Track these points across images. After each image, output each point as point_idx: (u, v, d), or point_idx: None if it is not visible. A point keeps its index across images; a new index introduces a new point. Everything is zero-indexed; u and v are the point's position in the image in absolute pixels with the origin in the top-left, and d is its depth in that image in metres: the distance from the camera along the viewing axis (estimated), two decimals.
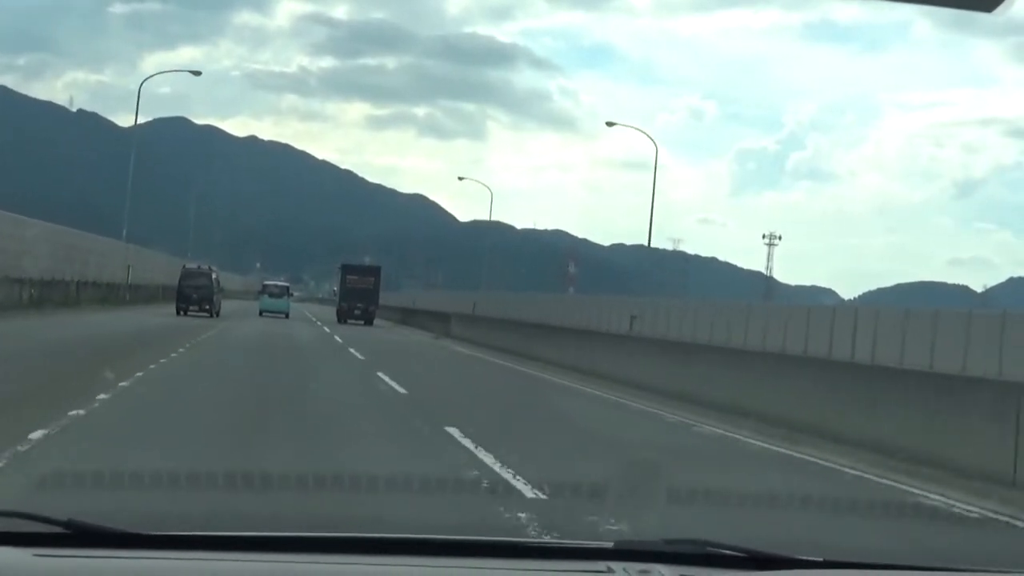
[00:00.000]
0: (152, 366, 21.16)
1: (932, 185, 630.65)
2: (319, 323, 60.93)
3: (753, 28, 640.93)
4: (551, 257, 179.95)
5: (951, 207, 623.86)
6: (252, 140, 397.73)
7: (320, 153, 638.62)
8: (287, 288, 71.87)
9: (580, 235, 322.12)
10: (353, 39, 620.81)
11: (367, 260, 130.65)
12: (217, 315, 55.36)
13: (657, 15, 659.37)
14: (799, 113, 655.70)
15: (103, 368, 18.75)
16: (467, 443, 12.94)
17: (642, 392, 24.12)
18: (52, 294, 51.09)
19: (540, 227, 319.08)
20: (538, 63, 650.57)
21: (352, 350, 33.51)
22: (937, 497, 12.02)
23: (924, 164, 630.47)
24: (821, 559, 3.43)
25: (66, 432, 11.79)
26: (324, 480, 9.18)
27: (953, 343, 20.12)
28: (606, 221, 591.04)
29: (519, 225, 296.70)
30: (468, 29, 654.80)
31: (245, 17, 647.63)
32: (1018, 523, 10.95)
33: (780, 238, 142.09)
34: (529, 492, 9.87)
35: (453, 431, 13.94)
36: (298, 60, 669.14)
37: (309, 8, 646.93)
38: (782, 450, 15.81)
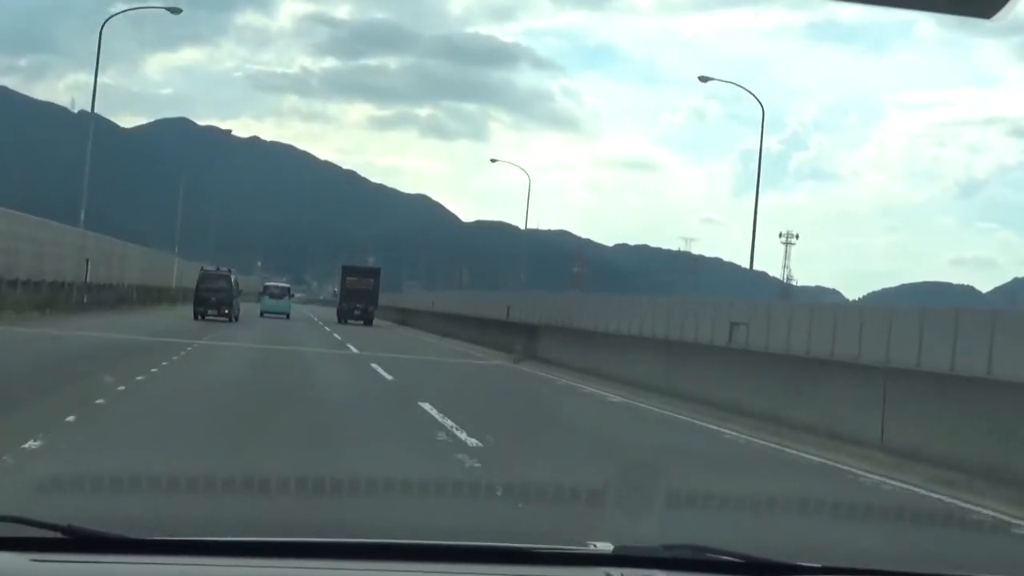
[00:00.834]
0: None
1: (935, 185, 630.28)
2: (341, 340, 42.28)
3: (756, 28, 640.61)
4: (555, 257, 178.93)
5: (954, 207, 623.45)
6: (254, 141, 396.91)
7: (322, 154, 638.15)
8: (288, 289, 71.99)
9: (583, 235, 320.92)
10: (355, 39, 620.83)
11: (370, 261, 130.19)
12: (236, 319, 52.92)
13: (660, 15, 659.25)
14: (802, 113, 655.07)
15: None
16: None
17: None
18: None
19: (543, 227, 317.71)
20: (540, 63, 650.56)
21: (429, 408, 17.29)
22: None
23: (927, 164, 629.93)
24: (819, 565, 3.39)
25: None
26: (323, 484, 9.13)
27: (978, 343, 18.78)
28: (609, 221, 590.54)
29: (522, 225, 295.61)
30: (470, 29, 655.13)
31: (248, 17, 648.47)
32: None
33: (797, 237, 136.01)
34: None
35: None
36: (300, 61, 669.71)
37: (311, 8, 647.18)
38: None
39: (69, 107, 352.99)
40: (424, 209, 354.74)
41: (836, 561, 3.45)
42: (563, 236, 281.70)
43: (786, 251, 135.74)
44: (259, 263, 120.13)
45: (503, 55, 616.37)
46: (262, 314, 63.26)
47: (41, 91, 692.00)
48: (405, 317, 78.89)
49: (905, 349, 19.97)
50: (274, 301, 65.99)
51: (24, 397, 14.84)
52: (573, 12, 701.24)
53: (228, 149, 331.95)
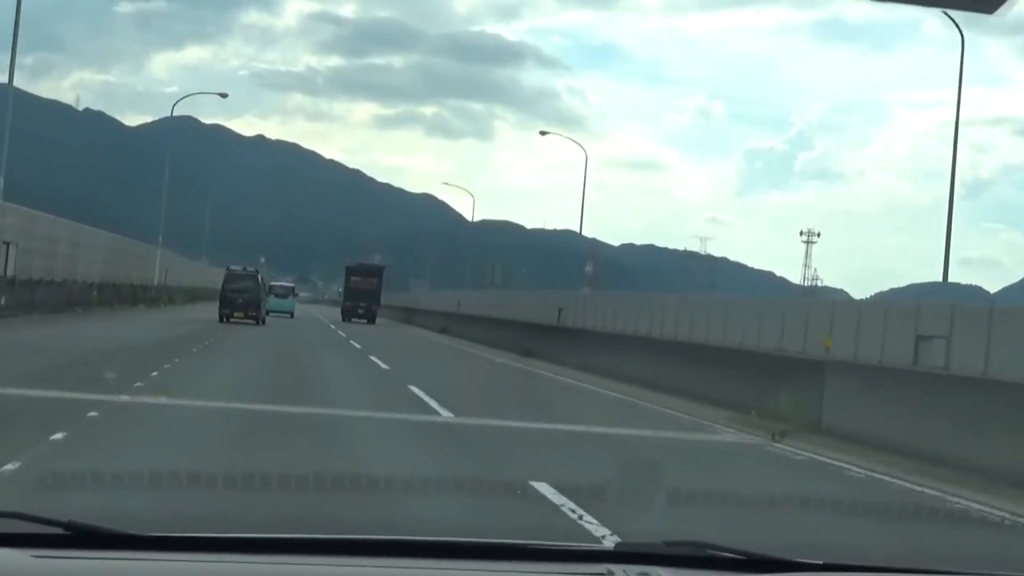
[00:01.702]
0: None
1: (940, 185, 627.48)
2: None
3: (762, 27, 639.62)
4: (561, 257, 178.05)
5: (959, 207, 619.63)
6: (259, 140, 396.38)
7: (328, 153, 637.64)
8: (292, 289, 73.08)
9: (589, 235, 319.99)
10: (360, 38, 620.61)
11: (376, 259, 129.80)
12: (263, 322, 50.23)
13: (665, 14, 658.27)
14: (807, 113, 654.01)
15: None
16: None
17: None
18: None
19: (549, 227, 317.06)
20: (546, 62, 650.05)
21: None
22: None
23: (933, 164, 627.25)
24: (820, 562, 3.39)
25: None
26: (324, 481, 9.01)
27: None
28: (614, 221, 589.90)
29: (528, 225, 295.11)
30: (476, 28, 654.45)
31: (253, 16, 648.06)
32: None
33: (819, 235, 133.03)
34: None
35: None
36: (305, 59, 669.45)
37: (316, 7, 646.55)
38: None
39: (74, 104, 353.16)
40: (430, 208, 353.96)
41: (837, 558, 3.47)
42: (569, 236, 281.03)
43: (807, 250, 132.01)
44: (262, 259, 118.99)
45: (508, 54, 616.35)
46: (267, 313, 62.58)
47: (45, 88, 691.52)
48: (410, 316, 78.68)
49: None
50: (279, 300, 66.30)
51: None
52: (579, 11, 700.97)
53: (233, 148, 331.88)
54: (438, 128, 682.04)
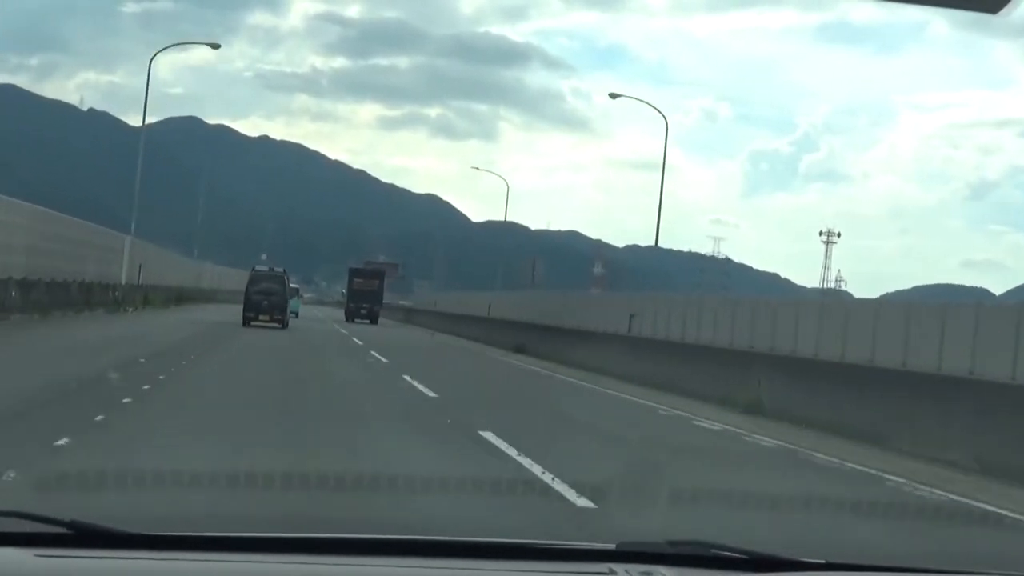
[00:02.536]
0: None
1: (946, 187, 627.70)
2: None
3: (768, 29, 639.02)
4: (567, 258, 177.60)
5: (964, 209, 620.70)
6: (264, 140, 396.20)
7: (332, 153, 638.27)
8: (296, 290, 72.75)
9: (594, 236, 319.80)
10: (365, 39, 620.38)
11: (381, 258, 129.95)
12: (287, 326, 47.74)
13: (672, 15, 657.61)
14: (813, 114, 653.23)
15: None
16: None
17: None
18: None
19: (554, 228, 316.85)
20: (551, 63, 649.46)
21: None
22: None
23: (938, 166, 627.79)
24: (823, 561, 3.39)
25: None
26: (327, 480, 9.05)
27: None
28: (619, 222, 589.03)
29: (533, 226, 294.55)
30: (481, 29, 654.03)
31: (258, 17, 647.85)
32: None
33: (839, 235, 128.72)
34: None
35: None
36: (310, 60, 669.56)
37: (321, 8, 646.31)
38: None
39: (78, 105, 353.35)
40: (435, 209, 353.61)
41: (839, 557, 3.47)
42: (574, 237, 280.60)
43: (827, 250, 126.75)
44: (264, 256, 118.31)
45: (514, 55, 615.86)
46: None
47: (50, 89, 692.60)
48: (408, 316, 78.25)
49: None
50: None
51: None
52: (585, 12, 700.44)
53: (238, 148, 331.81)
54: (443, 129, 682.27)
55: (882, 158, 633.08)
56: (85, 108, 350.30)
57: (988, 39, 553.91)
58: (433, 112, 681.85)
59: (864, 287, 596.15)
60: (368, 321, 70.74)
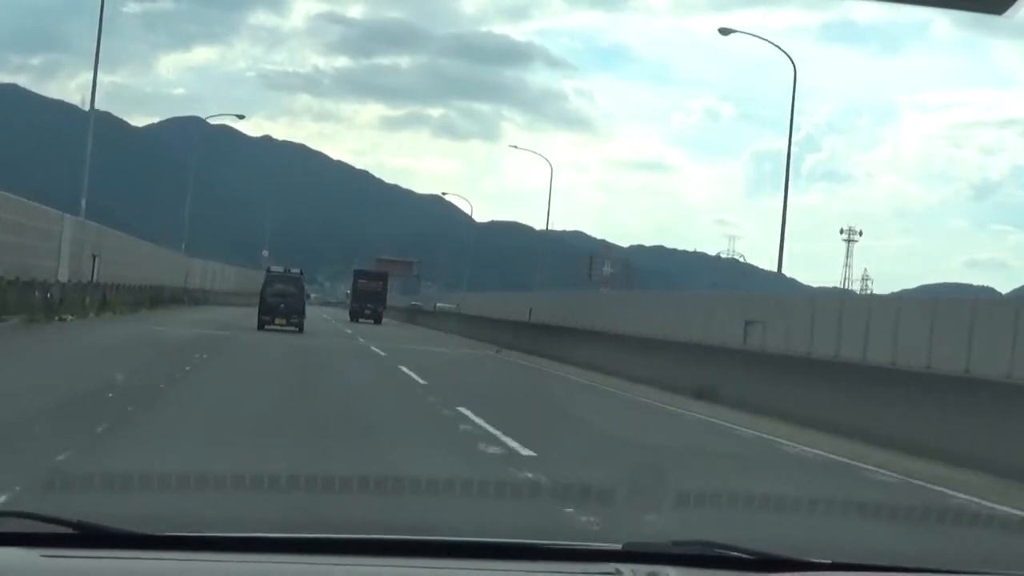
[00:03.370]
0: None
1: (949, 187, 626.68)
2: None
3: (771, 28, 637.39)
4: (571, 258, 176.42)
5: (967, 209, 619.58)
6: (267, 140, 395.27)
7: (335, 154, 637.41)
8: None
9: (598, 236, 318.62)
10: (367, 39, 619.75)
11: (382, 257, 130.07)
12: (303, 330, 44.90)
13: (675, 15, 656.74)
14: (816, 114, 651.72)
15: None
16: None
17: None
18: None
19: (558, 228, 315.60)
20: (554, 63, 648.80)
21: None
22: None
23: (941, 165, 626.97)
24: (829, 561, 3.39)
25: None
26: (332, 481, 8.99)
27: None
28: (622, 222, 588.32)
29: (537, 226, 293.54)
30: (483, 28, 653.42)
31: (260, 17, 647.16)
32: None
33: (861, 233, 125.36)
34: None
35: None
36: (312, 60, 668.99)
37: (324, 7, 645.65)
38: None
39: (80, 105, 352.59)
40: (438, 209, 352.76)
41: (846, 557, 3.45)
42: (578, 237, 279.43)
43: (848, 248, 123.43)
44: (265, 252, 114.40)
45: (516, 54, 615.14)
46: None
47: (53, 90, 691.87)
48: (411, 316, 76.40)
49: None
50: None
51: None
52: (588, 12, 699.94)
53: (240, 148, 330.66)
54: (445, 129, 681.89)
55: (885, 158, 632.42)
56: (86, 108, 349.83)
57: (991, 39, 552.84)
58: (436, 112, 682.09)
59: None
60: (372, 321, 72.64)
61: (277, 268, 50.53)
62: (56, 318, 37.91)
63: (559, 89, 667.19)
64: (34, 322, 34.84)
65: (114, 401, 15.48)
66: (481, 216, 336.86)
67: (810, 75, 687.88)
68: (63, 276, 44.60)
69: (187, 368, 22.30)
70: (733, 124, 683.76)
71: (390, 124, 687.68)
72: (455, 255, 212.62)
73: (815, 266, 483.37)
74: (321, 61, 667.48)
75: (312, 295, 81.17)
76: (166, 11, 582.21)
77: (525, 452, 13.03)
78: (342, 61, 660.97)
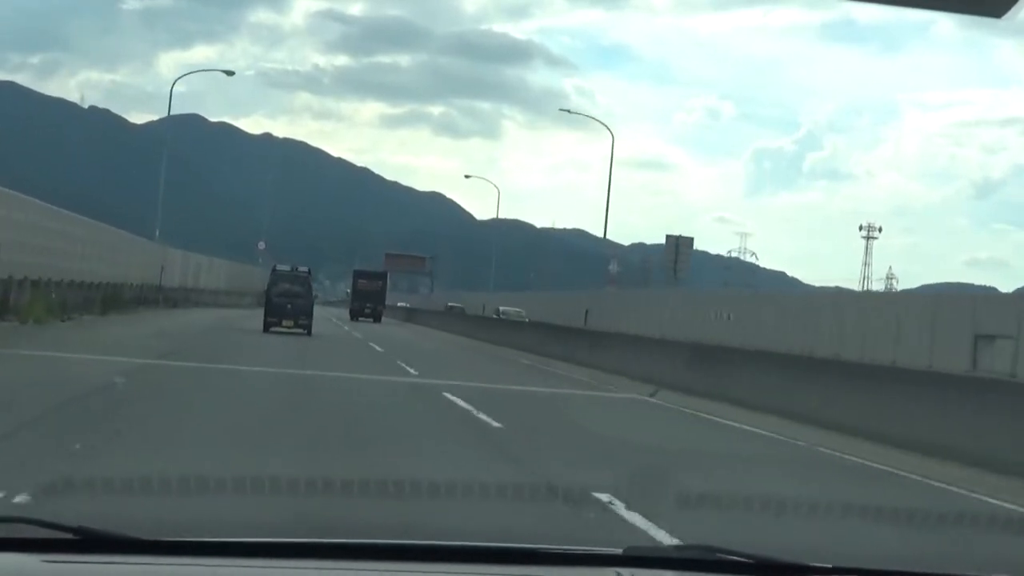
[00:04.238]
0: None
1: (950, 185, 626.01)
2: None
3: (772, 27, 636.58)
4: (574, 256, 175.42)
5: (969, 208, 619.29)
6: (267, 138, 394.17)
7: (335, 152, 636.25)
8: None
9: (600, 234, 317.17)
10: (368, 37, 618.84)
11: (380, 256, 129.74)
12: (311, 332, 42.05)
13: (676, 14, 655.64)
14: (817, 113, 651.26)
15: None
16: None
17: None
18: None
19: (559, 226, 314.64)
20: (555, 61, 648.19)
21: None
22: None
23: (943, 164, 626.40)
24: (831, 566, 3.34)
25: None
26: (334, 485, 8.87)
27: None
28: (623, 220, 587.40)
29: (538, 224, 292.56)
30: (484, 26, 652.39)
31: (260, 15, 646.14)
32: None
33: (880, 230, 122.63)
34: None
35: None
36: (312, 58, 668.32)
37: (324, 5, 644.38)
38: None
39: (79, 103, 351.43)
40: (439, 207, 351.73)
41: (847, 561, 3.40)
42: (580, 235, 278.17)
43: (867, 246, 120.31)
44: (262, 245, 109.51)
45: (517, 53, 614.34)
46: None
47: (52, 87, 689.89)
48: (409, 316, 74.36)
49: None
50: None
51: None
52: (588, 10, 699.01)
53: (240, 146, 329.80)
54: (446, 127, 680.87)
55: (886, 157, 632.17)
56: (86, 106, 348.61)
57: (993, 38, 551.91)
58: (436, 110, 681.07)
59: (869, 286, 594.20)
60: (372, 320, 74.10)
61: (283, 267, 47.24)
62: None
63: (560, 87, 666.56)
64: None
65: None
66: (482, 214, 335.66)
67: (811, 74, 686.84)
68: None
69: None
70: (733, 123, 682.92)
71: (390, 122, 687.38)
72: (459, 253, 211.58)
73: (816, 265, 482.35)
74: (321, 59, 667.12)
75: (318, 295, 76.61)
76: (166, 9, 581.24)
77: None
78: (342, 59, 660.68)
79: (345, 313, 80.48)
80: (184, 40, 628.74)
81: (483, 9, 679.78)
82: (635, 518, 8.57)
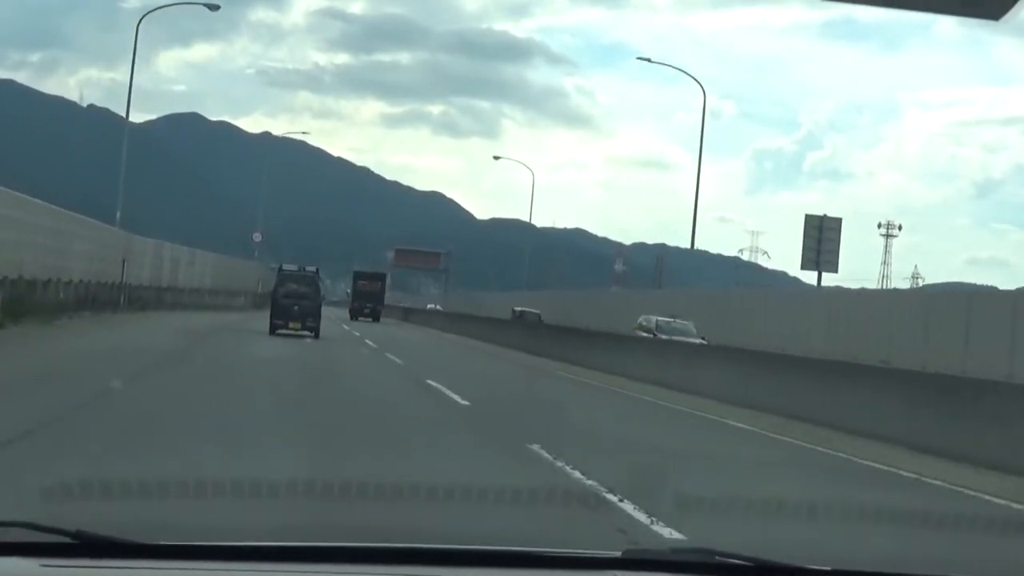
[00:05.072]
0: None
1: (951, 185, 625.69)
2: None
3: (772, 26, 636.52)
4: (575, 256, 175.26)
5: (969, 207, 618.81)
6: (266, 137, 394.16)
7: (335, 151, 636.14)
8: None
9: (600, 234, 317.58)
10: (368, 35, 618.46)
11: (386, 252, 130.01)
12: (319, 335, 40.59)
13: (676, 12, 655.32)
14: (817, 112, 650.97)
15: None
16: None
17: None
18: None
19: (559, 225, 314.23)
20: (555, 60, 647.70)
21: None
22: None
23: (943, 163, 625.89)
24: (829, 568, 3.36)
25: None
26: (333, 488, 8.84)
27: None
28: (624, 219, 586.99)
29: (538, 223, 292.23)
30: (484, 25, 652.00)
31: (260, 14, 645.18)
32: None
33: (900, 228, 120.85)
34: None
35: None
36: (312, 57, 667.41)
37: (324, 3, 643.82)
38: None
39: (78, 101, 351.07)
40: (439, 206, 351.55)
41: (846, 564, 3.41)
42: (580, 235, 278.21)
43: (886, 244, 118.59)
44: (257, 237, 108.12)
45: (517, 51, 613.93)
46: None
47: (51, 86, 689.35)
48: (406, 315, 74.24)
49: None
50: None
51: None
52: (589, 9, 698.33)
53: (239, 145, 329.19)
54: (445, 127, 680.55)
55: (887, 156, 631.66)
56: (85, 104, 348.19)
57: (993, 36, 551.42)
58: (436, 109, 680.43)
59: (871, 285, 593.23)
60: (371, 319, 75.50)
61: (290, 266, 45.94)
62: None
63: (560, 86, 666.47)
64: None
65: None
66: (482, 213, 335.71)
67: (812, 73, 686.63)
68: None
69: None
70: (734, 122, 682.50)
71: (390, 121, 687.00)
72: (459, 253, 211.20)
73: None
74: (321, 58, 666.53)
75: (324, 295, 73.14)
76: (165, 10, 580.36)
77: None
78: (342, 58, 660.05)
79: (345, 313, 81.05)
80: (184, 39, 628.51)
81: (483, 7, 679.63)
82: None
